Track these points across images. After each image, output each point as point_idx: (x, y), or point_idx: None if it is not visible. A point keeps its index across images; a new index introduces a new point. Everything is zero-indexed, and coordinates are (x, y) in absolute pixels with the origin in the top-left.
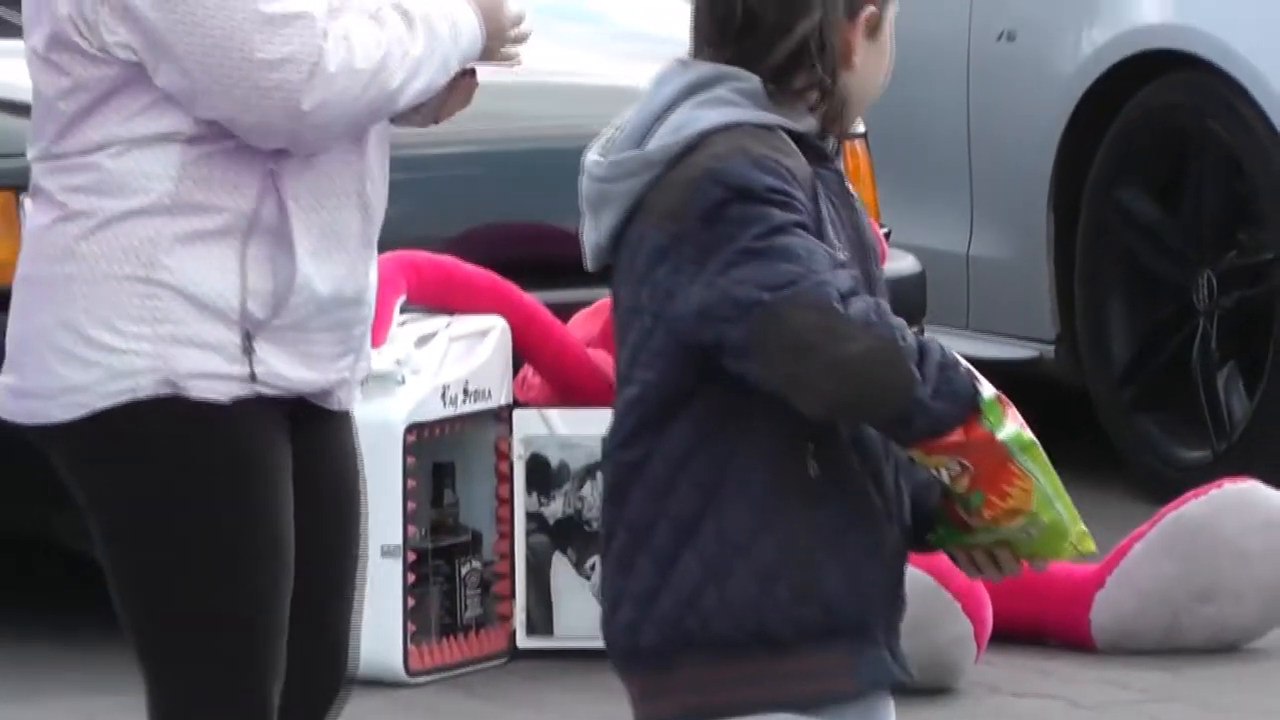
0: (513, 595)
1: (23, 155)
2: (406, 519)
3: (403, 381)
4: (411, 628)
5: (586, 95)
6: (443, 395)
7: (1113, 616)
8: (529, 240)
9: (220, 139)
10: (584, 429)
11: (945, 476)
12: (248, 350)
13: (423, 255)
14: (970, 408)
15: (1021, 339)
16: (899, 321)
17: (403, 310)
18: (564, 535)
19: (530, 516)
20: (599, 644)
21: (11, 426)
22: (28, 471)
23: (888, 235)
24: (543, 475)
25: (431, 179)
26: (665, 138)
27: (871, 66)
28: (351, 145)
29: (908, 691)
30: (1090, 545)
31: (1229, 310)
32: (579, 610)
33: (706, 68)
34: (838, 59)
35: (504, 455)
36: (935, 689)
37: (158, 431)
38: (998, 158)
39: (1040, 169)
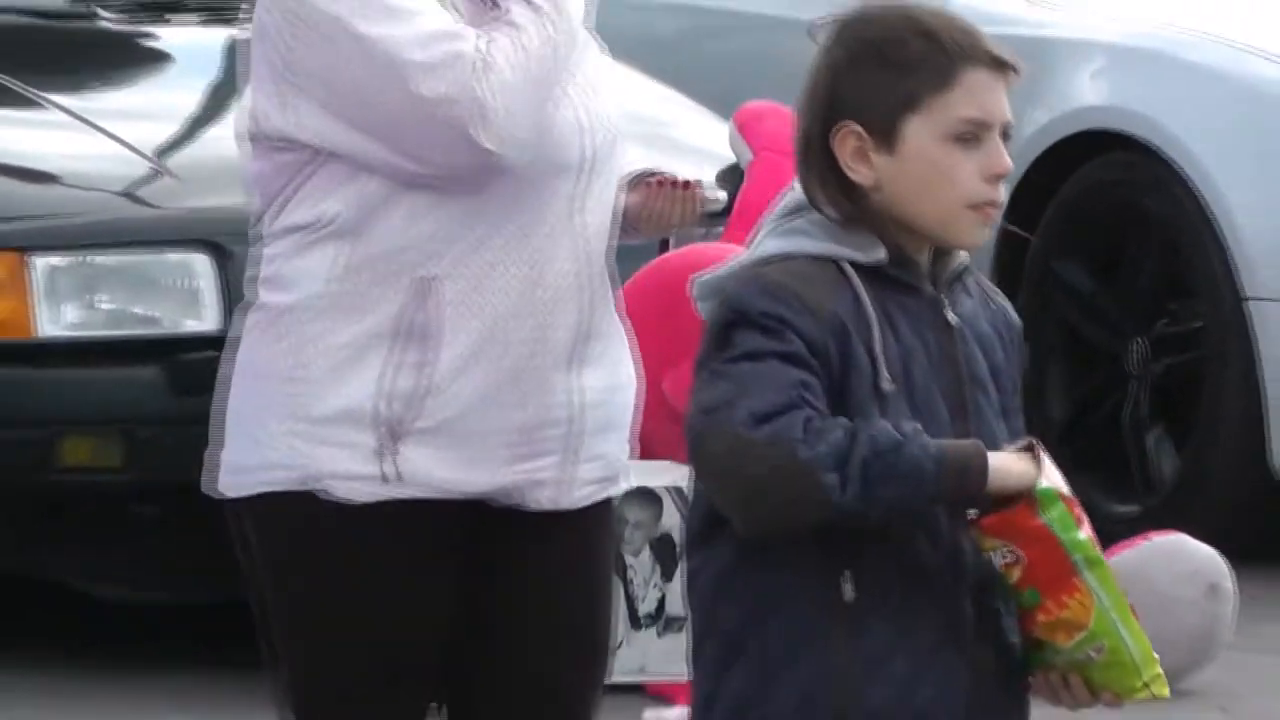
0: None
1: (28, 218)
2: None
3: None
4: None
5: None
6: None
7: None
8: None
9: (380, 241)
10: None
11: (997, 561)
12: (384, 452)
13: None
14: (933, 481)
15: None
16: (833, 433)
17: None
18: None
19: None
20: None
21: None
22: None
23: None
24: None
25: None
26: (741, 259)
27: (903, 182)
28: (523, 258)
29: None
30: (1165, 691)
31: (1160, 375)
32: None
33: (797, 196)
34: (838, 185)
35: None
36: None
37: (294, 525)
38: None
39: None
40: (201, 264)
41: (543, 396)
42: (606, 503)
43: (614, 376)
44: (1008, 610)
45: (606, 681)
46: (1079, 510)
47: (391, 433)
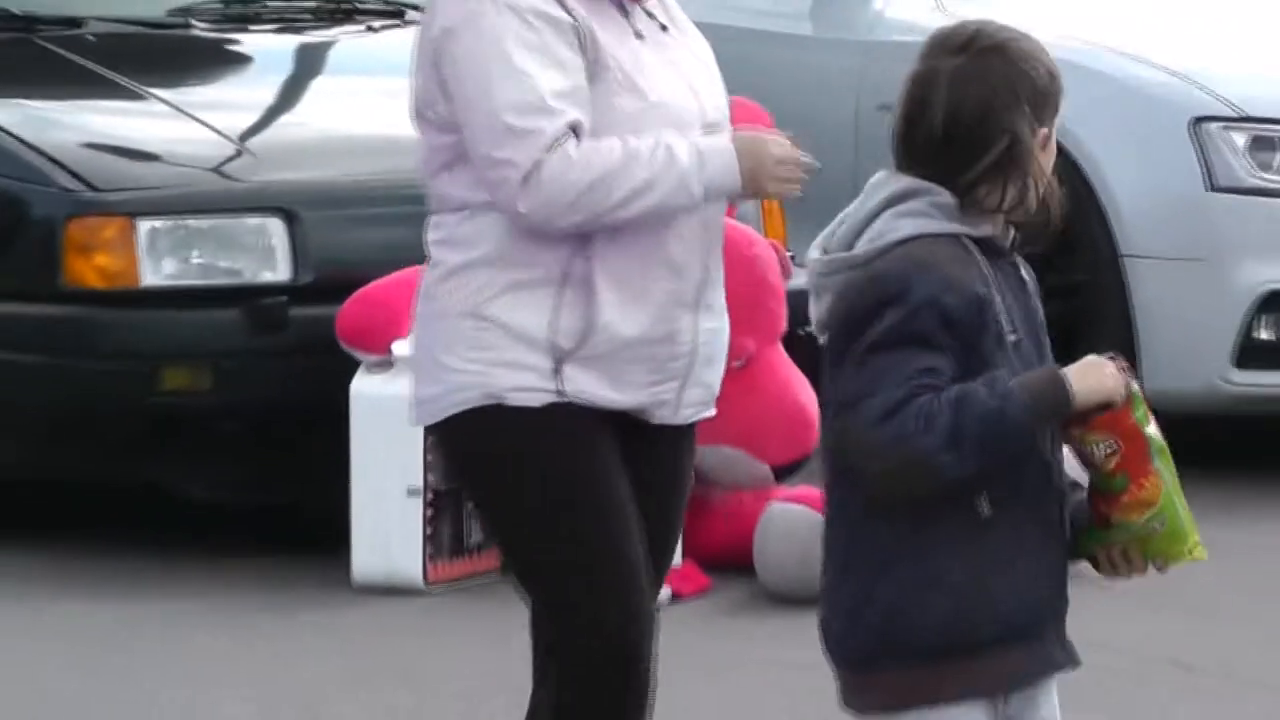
0: None
1: (135, 189)
2: (426, 468)
3: None
4: (429, 549)
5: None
6: None
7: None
8: None
9: None
10: None
11: (1100, 454)
12: (556, 373)
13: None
14: (1030, 431)
15: None
16: (943, 417)
17: None
18: None
19: None
20: None
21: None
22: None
23: (793, 258)
24: None
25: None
26: (866, 244)
27: (1044, 171)
28: (658, 223)
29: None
30: (1203, 554)
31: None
32: None
33: (908, 181)
34: (1032, 172)
35: None
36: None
37: (481, 433)
38: None
39: None
40: (275, 226)
41: (673, 335)
42: (692, 427)
43: (720, 318)
44: (1069, 514)
45: None
46: (1149, 407)
47: (559, 359)
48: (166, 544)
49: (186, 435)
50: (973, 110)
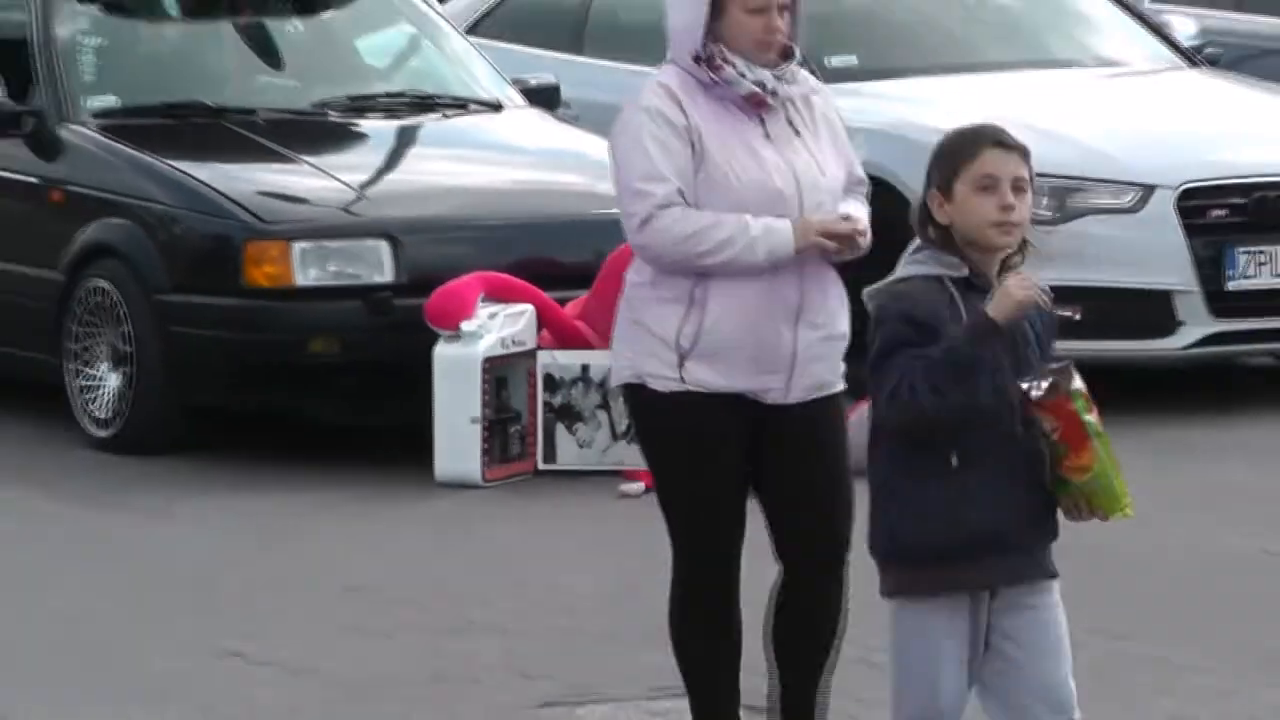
0: (536, 443)
1: (290, 222)
2: (483, 404)
3: (482, 336)
4: (485, 458)
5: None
6: (502, 343)
7: None
8: (547, 265)
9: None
10: (572, 360)
11: (1047, 428)
12: (680, 365)
13: (491, 274)
14: (970, 346)
15: None
16: (922, 390)
17: (484, 301)
18: (563, 414)
19: (545, 405)
20: (579, 468)
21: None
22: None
23: None
24: (552, 383)
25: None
26: (888, 279)
27: (960, 219)
28: (740, 271)
29: None
30: (1131, 512)
31: None
32: (568, 451)
33: (923, 243)
34: (932, 223)
35: (532, 374)
36: None
37: (635, 404)
38: None
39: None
40: (383, 246)
41: (770, 342)
42: (824, 401)
43: (829, 329)
44: (1044, 468)
45: (597, 467)
46: (1091, 402)
47: (682, 355)
48: (304, 458)
49: (325, 382)
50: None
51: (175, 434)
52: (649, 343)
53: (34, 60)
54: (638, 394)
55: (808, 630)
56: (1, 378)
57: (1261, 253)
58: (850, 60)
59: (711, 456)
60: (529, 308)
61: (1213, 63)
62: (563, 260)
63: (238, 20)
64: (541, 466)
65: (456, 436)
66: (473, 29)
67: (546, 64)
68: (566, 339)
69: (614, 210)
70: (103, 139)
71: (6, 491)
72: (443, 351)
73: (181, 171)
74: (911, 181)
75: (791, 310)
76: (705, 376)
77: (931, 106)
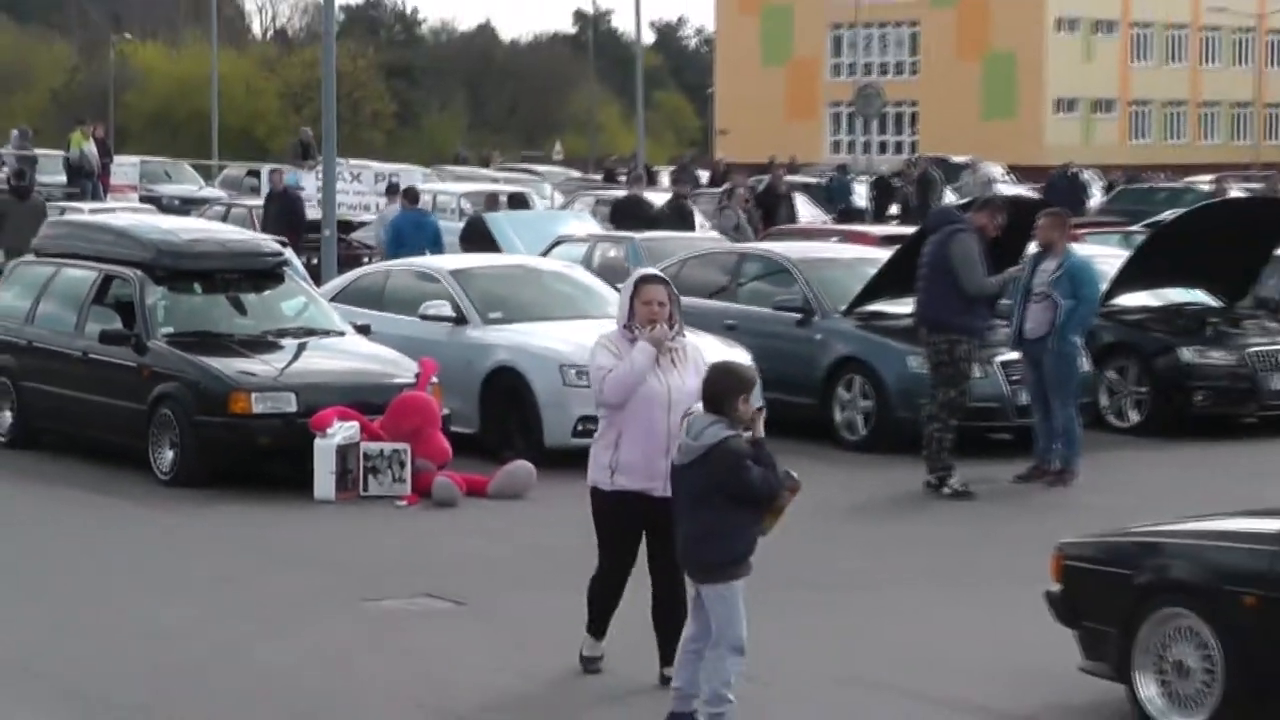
0: (359, 481)
1: (251, 384)
2: (336, 465)
3: (335, 435)
4: (336, 489)
5: None
6: (345, 438)
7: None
8: (366, 404)
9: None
10: (376, 447)
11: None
12: (611, 474)
13: (339, 408)
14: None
15: None
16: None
17: (338, 420)
18: (371, 470)
19: (364, 465)
20: (380, 494)
21: None
22: None
23: None
24: (367, 455)
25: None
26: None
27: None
28: (650, 403)
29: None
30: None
31: None
32: (375, 486)
33: None
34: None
35: (358, 451)
36: None
37: (592, 497)
38: None
39: None
40: (291, 395)
41: (657, 463)
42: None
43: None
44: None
45: (388, 494)
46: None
47: (612, 470)
48: (263, 490)
49: (268, 456)
50: None
51: (199, 480)
52: (598, 464)
53: (137, 310)
54: (594, 494)
55: (670, 614)
56: (102, 452)
57: None
58: (500, 314)
59: (620, 529)
60: (356, 424)
61: None
62: (374, 402)
63: (228, 294)
64: (362, 493)
65: (324, 479)
66: (333, 298)
67: (361, 316)
68: (374, 437)
69: (398, 379)
70: (166, 346)
71: (122, 500)
72: (319, 442)
73: (202, 361)
74: (531, 376)
75: (665, 442)
76: (623, 481)
77: (543, 337)
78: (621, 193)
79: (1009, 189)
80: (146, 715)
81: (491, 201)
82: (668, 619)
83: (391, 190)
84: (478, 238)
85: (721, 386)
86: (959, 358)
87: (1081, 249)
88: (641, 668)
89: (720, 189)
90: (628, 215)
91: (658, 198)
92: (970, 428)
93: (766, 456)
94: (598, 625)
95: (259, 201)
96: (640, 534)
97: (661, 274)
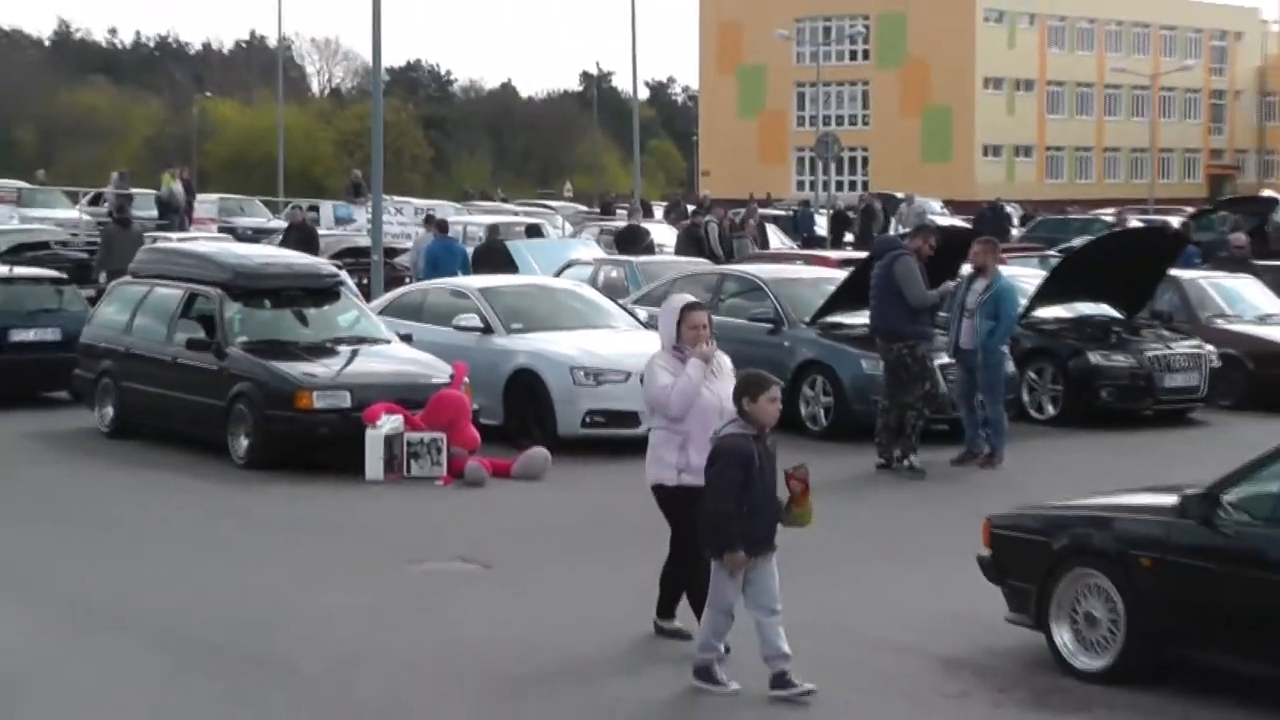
0: (403, 465)
1: (313, 384)
2: (385, 453)
3: (383, 427)
4: (385, 471)
5: None
6: (391, 429)
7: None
8: (409, 400)
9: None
10: (419, 436)
11: (791, 485)
12: (679, 473)
13: (386, 403)
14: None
15: None
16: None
17: (385, 415)
18: (413, 455)
19: (407, 451)
20: (421, 475)
21: None
22: None
23: None
24: (408, 444)
25: None
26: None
27: (753, 411)
28: (707, 411)
29: None
30: (814, 523)
31: None
32: (417, 469)
33: None
34: (740, 410)
35: (402, 440)
36: None
37: (658, 494)
38: None
39: None
40: (346, 393)
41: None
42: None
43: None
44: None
45: (428, 475)
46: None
47: (679, 470)
48: (318, 477)
49: (326, 445)
50: None
51: (269, 465)
52: (663, 462)
53: (217, 322)
54: (659, 490)
55: (679, 578)
56: (188, 441)
57: None
58: (520, 325)
59: (689, 512)
60: (400, 416)
61: None
62: (415, 399)
63: (293, 309)
64: (405, 475)
65: (373, 463)
66: (380, 312)
67: (404, 326)
68: (415, 428)
69: (435, 380)
70: (241, 352)
71: (206, 480)
72: (370, 432)
73: (272, 365)
74: (546, 377)
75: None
76: (687, 479)
77: (556, 344)
78: (623, 223)
79: (944, 220)
80: (221, 653)
81: (494, 231)
82: (678, 582)
83: (428, 221)
84: (489, 259)
85: (735, 391)
86: (920, 357)
87: (1007, 270)
88: (638, 629)
89: (688, 219)
90: (629, 242)
91: (654, 227)
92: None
93: (766, 451)
94: (668, 607)
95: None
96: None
97: (700, 301)
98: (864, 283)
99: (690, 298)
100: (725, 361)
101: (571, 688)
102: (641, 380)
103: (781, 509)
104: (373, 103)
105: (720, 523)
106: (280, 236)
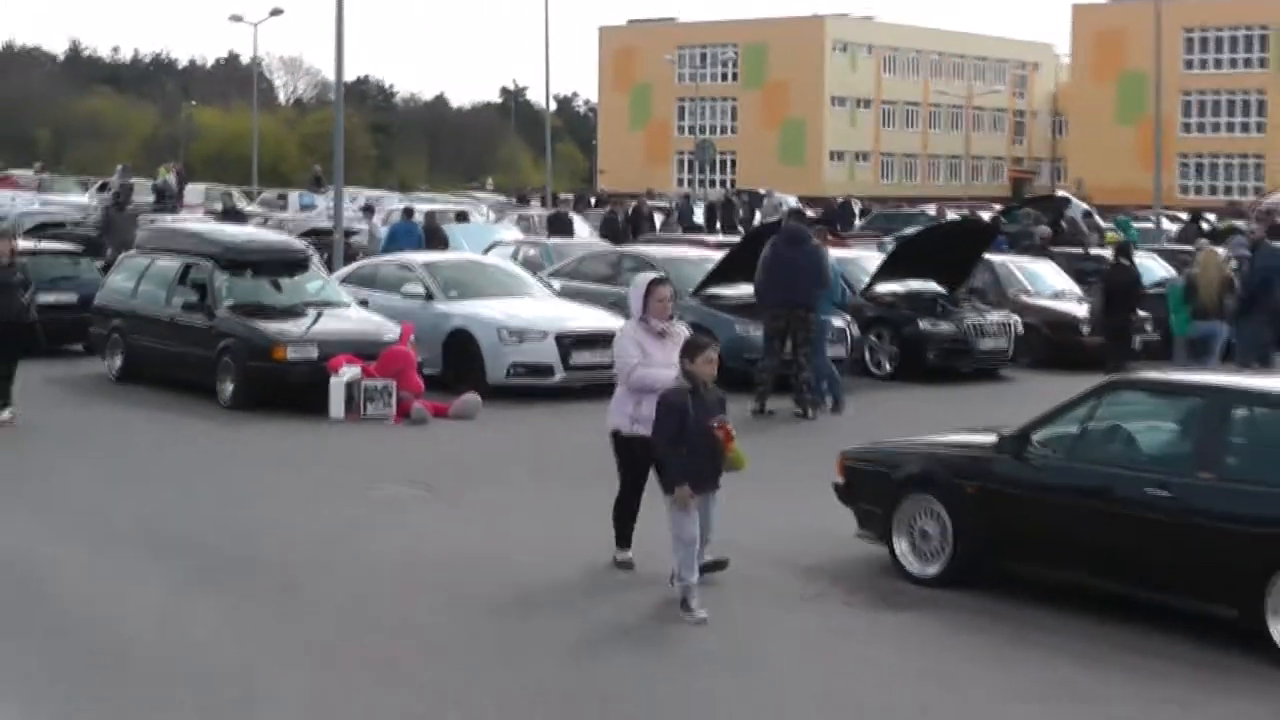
0: (360, 407)
1: (288, 339)
2: (345, 396)
3: (345, 375)
4: (345, 412)
5: None
6: (351, 377)
7: None
8: (366, 353)
9: (636, 381)
10: (375, 382)
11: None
12: (632, 422)
13: (345, 355)
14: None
15: None
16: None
17: (346, 365)
18: (368, 398)
19: (364, 394)
20: (374, 416)
21: None
22: None
23: None
24: (365, 390)
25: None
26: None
27: (694, 368)
28: (661, 380)
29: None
30: (747, 467)
31: None
32: (371, 410)
33: None
34: (683, 369)
35: (358, 386)
36: None
37: (614, 441)
38: None
39: None
40: (314, 347)
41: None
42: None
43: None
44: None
45: (382, 415)
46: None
47: (633, 421)
48: (291, 415)
49: (299, 388)
50: None
51: (250, 406)
52: (619, 412)
53: (208, 288)
54: (614, 434)
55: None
56: (183, 386)
57: None
58: (456, 293)
59: (639, 457)
60: (358, 367)
61: None
62: (370, 352)
63: (270, 278)
64: (362, 416)
65: (336, 405)
66: (342, 281)
67: (361, 293)
68: (370, 376)
69: (387, 337)
70: (228, 313)
71: (198, 418)
72: (333, 380)
73: (253, 323)
74: (478, 335)
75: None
76: (639, 429)
77: (486, 309)
78: (552, 210)
79: (809, 211)
80: (209, 552)
81: (431, 217)
82: (626, 514)
83: (367, 209)
84: (430, 239)
85: (680, 352)
86: (809, 325)
87: (849, 252)
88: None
89: (605, 209)
90: (557, 227)
91: (575, 216)
92: (787, 375)
93: (702, 402)
94: (623, 538)
95: (285, 215)
96: (649, 466)
97: (666, 276)
98: (737, 261)
99: (657, 274)
100: (683, 331)
101: (502, 578)
102: (612, 346)
103: (721, 455)
104: (335, 109)
105: (664, 463)
106: (254, 219)
